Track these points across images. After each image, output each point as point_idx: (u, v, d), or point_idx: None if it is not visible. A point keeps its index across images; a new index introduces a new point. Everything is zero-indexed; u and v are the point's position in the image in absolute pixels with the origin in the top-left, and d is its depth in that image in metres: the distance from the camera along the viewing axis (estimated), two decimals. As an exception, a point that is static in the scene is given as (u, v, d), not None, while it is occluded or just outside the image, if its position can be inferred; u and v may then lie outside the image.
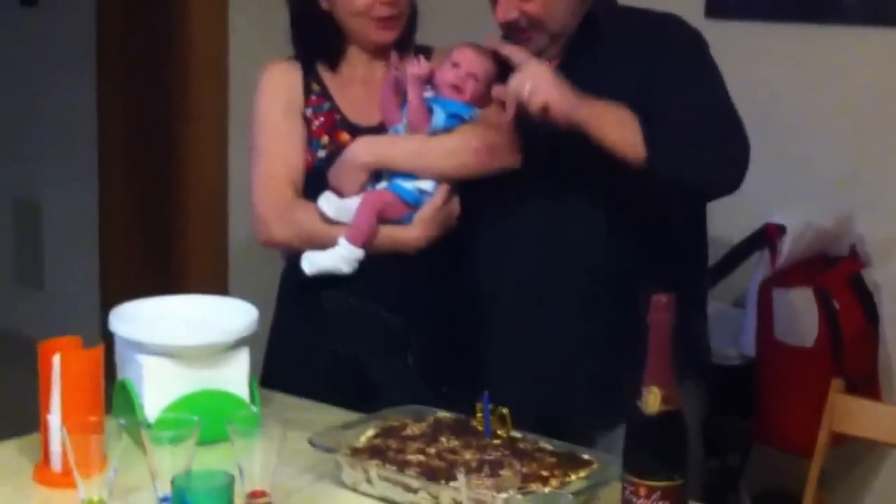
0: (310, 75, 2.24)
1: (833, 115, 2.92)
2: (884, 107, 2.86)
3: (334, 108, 2.22)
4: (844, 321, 2.65)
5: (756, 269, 2.71)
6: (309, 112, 2.22)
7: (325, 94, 2.23)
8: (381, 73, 2.24)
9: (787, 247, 2.65)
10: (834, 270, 2.73)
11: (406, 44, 2.26)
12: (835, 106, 2.92)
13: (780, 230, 2.65)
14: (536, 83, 1.96)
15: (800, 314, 2.65)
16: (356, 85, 2.25)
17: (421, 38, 2.30)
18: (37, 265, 4.98)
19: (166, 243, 4.06)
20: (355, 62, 2.25)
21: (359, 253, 2.10)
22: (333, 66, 2.25)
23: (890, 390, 2.83)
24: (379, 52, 2.24)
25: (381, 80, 2.23)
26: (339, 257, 2.10)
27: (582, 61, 2.12)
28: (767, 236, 2.67)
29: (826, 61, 2.92)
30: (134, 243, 4.38)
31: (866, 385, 2.67)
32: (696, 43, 2.12)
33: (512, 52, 2.04)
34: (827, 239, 2.75)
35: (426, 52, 2.28)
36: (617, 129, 1.95)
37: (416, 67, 2.15)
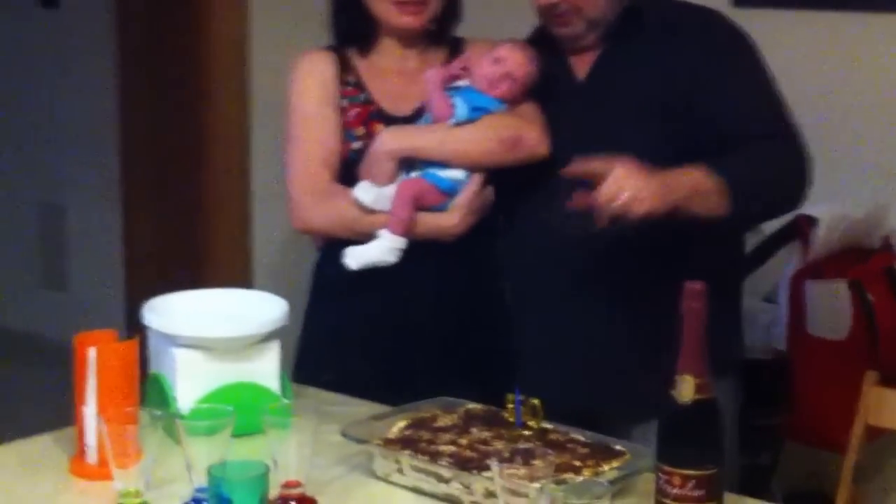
0: (344, 66, 2.25)
1: (865, 104, 2.89)
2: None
3: (369, 100, 2.22)
4: (879, 314, 2.62)
5: (788, 262, 2.69)
6: (344, 103, 2.23)
7: (359, 85, 2.24)
8: (415, 62, 2.25)
9: (819, 239, 2.63)
10: (868, 262, 2.70)
11: (440, 34, 2.26)
12: (867, 95, 2.89)
13: (812, 222, 2.63)
14: (633, 193, 1.88)
15: (833, 307, 2.62)
16: (390, 75, 2.25)
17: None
18: (62, 268, 5.02)
19: (190, 244, 4.07)
20: (389, 52, 2.26)
21: (402, 242, 2.12)
22: (364, 51, 2.25)
23: (924, 384, 2.81)
24: (409, 39, 2.24)
25: (415, 70, 2.24)
26: (385, 249, 2.12)
27: (622, 51, 2.13)
28: (799, 229, 2.65)
29: (857, 49, 2.90)
30: (158, 245, 4.40)
31: (900, 378, 2.65)
32: (746, 45, 2.13)
33: (589, 167, 1.94)
34: (860, 230, 2.72)
35: (458, 43, 2.28)
36: (705, 203, 1.97)
37: (437, 71, 2.17)
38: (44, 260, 5.10)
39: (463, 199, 2.14)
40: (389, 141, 2.15)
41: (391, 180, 2.14)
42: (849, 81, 2.91)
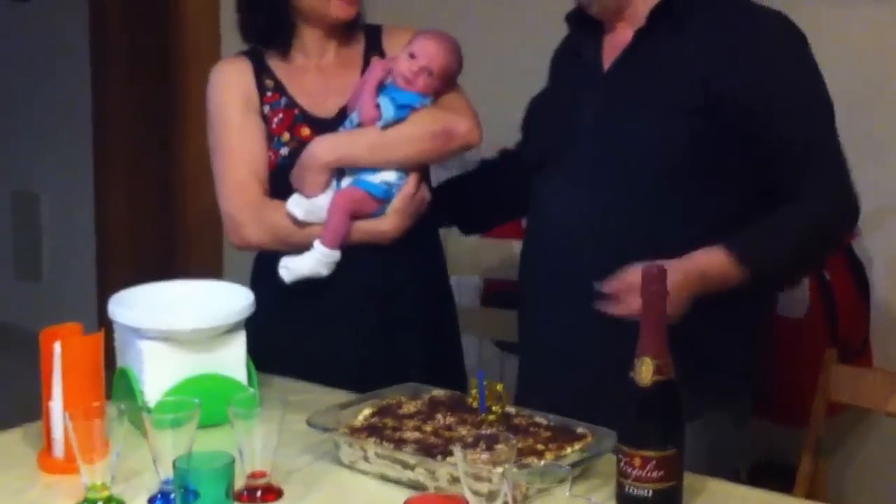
0: (261, 71, 2.21)
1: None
2: (872, 77, 2.87)
3: (291, 103, 2.19)
4: (837, 291, 2.65)
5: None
6: (266, 110, 2.19)
7: (279, 89, 2.20)
8: (332, 56, 2.23)
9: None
10: (825, 241, 2.74)
11: (355, 22, 2.23)
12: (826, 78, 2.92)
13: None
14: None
15: (792, 286, 2.66)
16: (310, 73, 2.22)
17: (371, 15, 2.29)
18: (35, 258, 5.00)
19: (163, 234, 4.07)
20: (308, 48, 2.22)
21: (336, 255, 2.11)
22: (284, 52, 2.21)
23: (882, 358, 2.85)
24: (332, 31, 2.21)
25: (333, 65, 2.22)
26: (317, 262, 2.11)
27: (653, 42, 1.97)
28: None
29: (814, 32, 2.91)
30: (131, 234, 4.40)
31: (859, 354, 2.69)
32: (804, 61, 1.98)
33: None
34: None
35: (376, 31, 2.26)
36: (720, 281, 1.86)
37: (374, 72, 2.14)
38: (17, 250, 5.08)
39: (398, 203, 2.13)
40: (321, 152, 2.12)
41: (323, 190, 2.12)
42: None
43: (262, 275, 2.24)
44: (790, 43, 1.99)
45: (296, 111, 2.19)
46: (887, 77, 2.86)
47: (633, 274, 1.77)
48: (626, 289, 1.81)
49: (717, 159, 1.93)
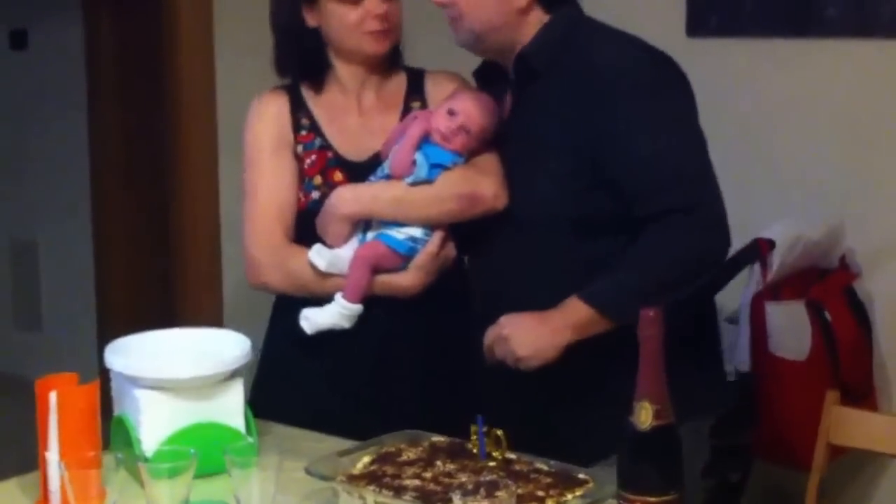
0: (298, 108, 2.21)
1: (819, 127, 2.94)
2: (869, 117, 2.88)
3: (325, 145, 2.18)
4: (838, 333, 2.65)
5: (748, 284, 2.72)
6: (300, 149, 2.18)
7: (314, 129, 2.19)
8: (372, 96, 2.21)
9: (776, 260, 2.65)
10: (826, 282, 2.74)
11: (395, 59, 2.23)
12: (820, 118, 2.93)
13: (770, 244, 2.66)
14: (514, 348, 1.98)
15: (793, 327, 2.66)
16: (348, 112, 2.21)
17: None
18: (34, 306, 5.00)
19: (162, 281, 4.07)
20: (346, 85, 2.21)
21: (357, 309, 2.11)
22: (318, 87, 2.21)
23: (886, 399, 2.84)
24: (370, 69, 2.20)
25: (373, 106, 2.21)
26: (339, 315, 2.11)
27: (539, 91, 2.06)
28: (758, 251, 2.68)
29: (810, 75, 2.94)
30: (130, 281, 4.40)
31: (862, 395, 2.68)
32: (663, 99, 2.02)
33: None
34: (817, 251, 2.76)
35: (418, 74, 2.26)
36: (595, 328, 1.97)
37: (419, 126, 2.13)
38: (16, 298, 5.08)
39: (421, 260, 2.12)
40: (345, 203, 2.11)
41: (346, 240, 2.12)
42: (804, 105, 2.94)
43: (278, 320, 2.24)
44: (634, 92, 2.01)
45: (329, 154, 2.18)
46: (885, 120, 2.88)
47: (496, 328, 2.00)
48: (491, 341, 2.01)
49: (603, 215, 2.03)
